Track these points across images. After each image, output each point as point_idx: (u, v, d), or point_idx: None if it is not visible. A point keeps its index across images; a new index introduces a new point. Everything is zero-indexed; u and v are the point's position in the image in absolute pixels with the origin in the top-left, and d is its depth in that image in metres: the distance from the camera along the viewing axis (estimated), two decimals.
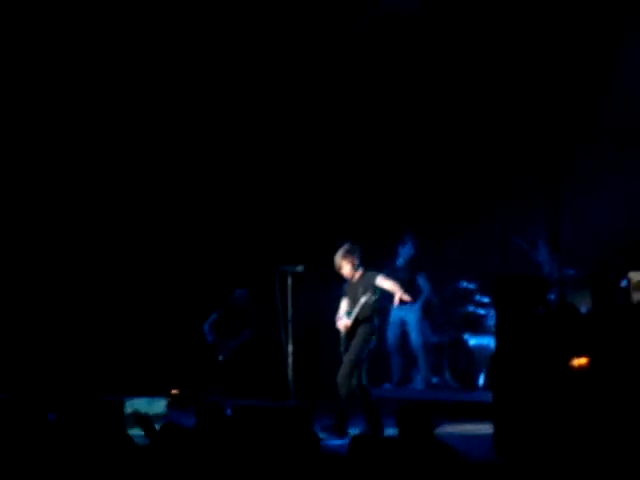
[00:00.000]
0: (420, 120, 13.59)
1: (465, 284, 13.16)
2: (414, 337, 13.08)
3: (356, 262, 10.59)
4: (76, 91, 13.70)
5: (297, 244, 12.99)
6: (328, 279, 11.15)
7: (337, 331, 10.63)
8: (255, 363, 13.40)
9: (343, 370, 10.47)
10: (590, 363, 8.42)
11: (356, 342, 10.51)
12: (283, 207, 14.00)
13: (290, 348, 10.89)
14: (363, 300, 10.40)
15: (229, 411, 9.49)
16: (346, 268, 10.59)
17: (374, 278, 10.54)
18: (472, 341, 12.79)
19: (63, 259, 13.89)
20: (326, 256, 10.82)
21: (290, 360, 10.87)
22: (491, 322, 12.33)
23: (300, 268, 11.01)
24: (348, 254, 10.58)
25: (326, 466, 5.72)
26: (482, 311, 13.01)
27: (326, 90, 13.61)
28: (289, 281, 10.96)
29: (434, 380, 13.20)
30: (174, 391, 12.62)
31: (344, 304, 10.69)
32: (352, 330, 10.52)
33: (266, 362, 12.87)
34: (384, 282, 10.58)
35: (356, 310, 10.49)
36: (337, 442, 9.65)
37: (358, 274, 10.61)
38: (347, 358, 10.49)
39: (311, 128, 13.84)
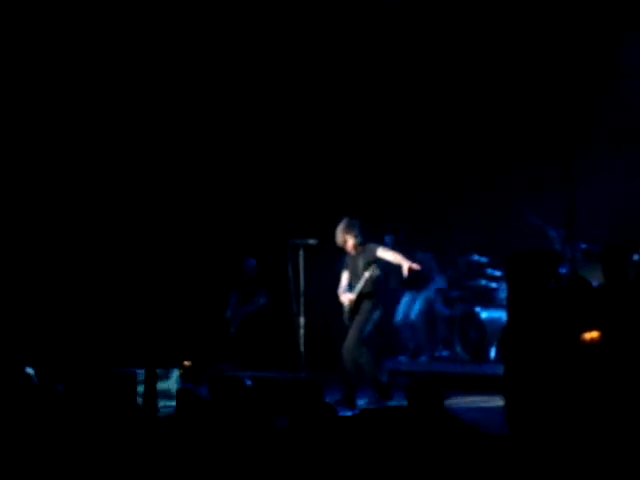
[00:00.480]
0: (438, 97, 13.60)
1: (477, 257, 13.18)
2: (414, 312, 13.10)
3: (358, 235, 10.59)
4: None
5: (309, 217, 13.00)
6: (340, 252, 11.17)
7: None
8: (267, 335, 13.45)
9: (348, 344, 10.48)
10: (601, 337, 8.42)
11: (360, 317, 10.51)
12: (295, 180, 14.02)
13: (302, 320, 10.92)
14: (367, 275, 10.40)
15: (249, 382, 9.53)
16: (350, 242, 10.59)
17: (375, 250, 10.53)
18: (484, 314, 12.82)
19: (76, 231, 13.94)
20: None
21: (302, 332, 10.90)
22: (503, 295, 12.34)
23: (312, 241, 11.03)
24: (349, 228, 10.56)
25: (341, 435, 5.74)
26: (494, 284, 13.03)
27: (338, 69, 13.63)
28: (301, 254, 10.99)
29: (444, 353, 13.24)
30: (186, 363, 12.67)
31: (345, 277, 10.69)
32: (356, 305, 10.53)
33: (278, 334, 12.92)
34: (386, 254, 10.57)
35: (360, 285, 10.49)
36: (347, 414, 9.68)
37: (359, 247, 10.61)
38: (352, 334, 10.49)
39: (324, 102, 13.86)
